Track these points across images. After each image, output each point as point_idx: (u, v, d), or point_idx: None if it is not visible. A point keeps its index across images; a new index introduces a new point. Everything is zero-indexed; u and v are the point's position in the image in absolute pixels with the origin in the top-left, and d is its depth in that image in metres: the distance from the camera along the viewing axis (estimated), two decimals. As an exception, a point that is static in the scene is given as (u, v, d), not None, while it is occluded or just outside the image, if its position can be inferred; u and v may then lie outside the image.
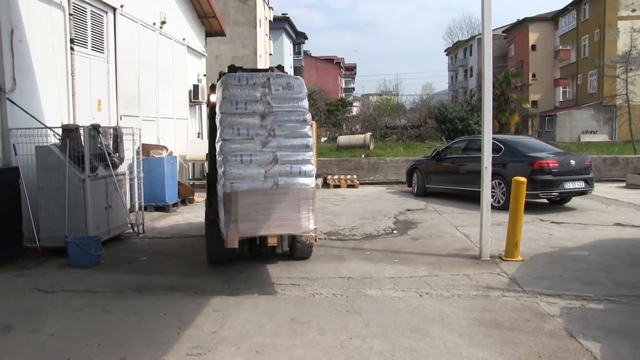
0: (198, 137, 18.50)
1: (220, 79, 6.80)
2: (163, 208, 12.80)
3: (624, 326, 5.15)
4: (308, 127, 6.58)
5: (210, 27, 19.50)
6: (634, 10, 43.81)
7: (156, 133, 14.80)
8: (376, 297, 6.13)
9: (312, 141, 6.60)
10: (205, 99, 16.17)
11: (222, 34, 20.65)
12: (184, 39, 17.05)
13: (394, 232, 10.22)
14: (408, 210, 12.94)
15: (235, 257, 7.47)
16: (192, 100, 17.58)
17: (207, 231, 7.54)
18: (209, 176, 7.73)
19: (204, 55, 19.60)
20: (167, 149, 13.51)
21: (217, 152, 6.60)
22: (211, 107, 7.69)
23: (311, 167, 6.50)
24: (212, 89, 7.72)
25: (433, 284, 6.57)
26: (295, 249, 7.68)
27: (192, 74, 18.19)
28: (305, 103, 6.67)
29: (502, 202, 12.16)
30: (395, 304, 5.90)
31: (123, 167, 9.87)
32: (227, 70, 6.90)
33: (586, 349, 4.61)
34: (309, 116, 6.65)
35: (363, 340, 4.85)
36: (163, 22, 15.05)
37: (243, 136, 6.31)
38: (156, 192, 12.52)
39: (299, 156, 6.45)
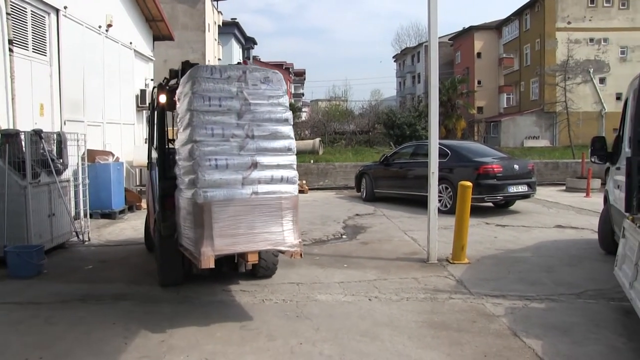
0: (145, 142, 18.16)
1: (184, 71, 5.89)
2: (109, 215, 12.51)
3: (563, 323, 5.38)
4: (290, 127, 5.82)
5: (159, 31, 19.23)
6: (569, 23, 45.59)
7: (102, 138, 14.49)
8: (326, 302, 6.17)
9: (294, 144, 5.84)
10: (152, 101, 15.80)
11: (170, 38, 20.39)
12: (131, 43, 16.76)
13: (343, 237, 10.30)
14: (357, 215, 13.06)
15: (193, 276, 6.87)
16: (140, 105, 17.28)
17: (160, 251, 6.71)
18: (162, 187, 6.62)
19: (152, 60, 19.30)
20: (113, 155, 13.24)
21: (181, 157, 5.75)
22: (161, 108, 6.88)
23: (294, 173, 5.78)
24: (161, 88, 6.92)
25: (382, 288, 6.65)
26: (259, 268, 6.88)
27: (140, 78, 17.89)
28: (285, 100, 5.87)
29: (449, 206, 12.41)
30: (345, 308, 5.95)
31: (67, 174, 9.60)
32: (181, 67, 6.21)
33: (529, 347, 4.78)
34: (290, 115, 5.87)
35: (313, 345, 4.87)
36: (109, 25, 14.75)
37: (218, 137, 5.40)
38: (102, 199, 12.23)
39: (280, 160, 5.68)
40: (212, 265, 5.28)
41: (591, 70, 33.18)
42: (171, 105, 6.58)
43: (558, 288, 6.59)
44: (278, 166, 5.64)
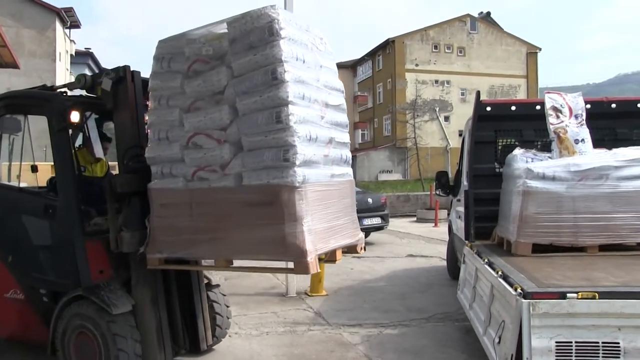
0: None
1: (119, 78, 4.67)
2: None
3: (414, 347, 5.73)
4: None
5: (1, 57, 17.88)
6: (417, 65, 49.16)
7: None
8: (185, 342, 6.00)
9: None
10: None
11: (14, 65, 19.00)
12: (-33, 71, 15.41)
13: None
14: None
15: None
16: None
17: None
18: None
19: (-8, 90, 17.83)
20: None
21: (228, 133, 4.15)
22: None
23: (350, 154, 4.95)
24: (76, 104, 5.06)
25: (242, 324, 6.60)
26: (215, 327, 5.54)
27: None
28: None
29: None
30: (205, 346, 5.83)
31: None
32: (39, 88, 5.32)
33: (383, 372, 5.01)
34: None
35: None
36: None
37: (306, 101, 4.13)
38: None
39: (345, 137, 4.82)
40: (318, 270, 4.11)
41: (437, 109, 36.08)
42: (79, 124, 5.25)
43: (410, 314, 6.98)
44: (344, 144, 4.80)
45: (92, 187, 5.20)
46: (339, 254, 4.50)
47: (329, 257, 4.44)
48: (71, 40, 42.46)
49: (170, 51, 4.36)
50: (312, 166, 4.09)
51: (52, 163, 5.02)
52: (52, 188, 5.21)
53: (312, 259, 3.90)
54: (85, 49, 46.93)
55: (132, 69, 4.76)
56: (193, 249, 4.36)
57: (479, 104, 6.52)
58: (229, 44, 4.08)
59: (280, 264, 5.20)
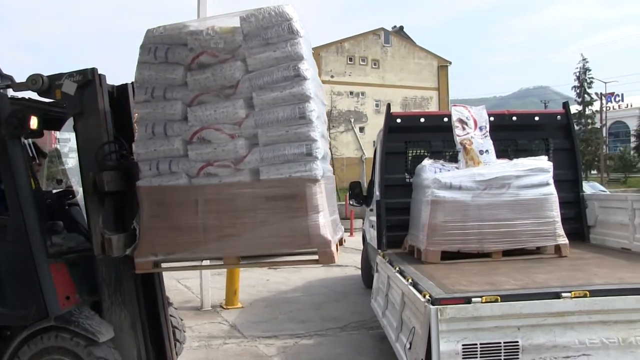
0: None
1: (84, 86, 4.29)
2: None
3: (330, 356, 5.81)
4: None
5: None
6: (332, 76, 49.93)
7: None
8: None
9: None
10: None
11: None
12: None
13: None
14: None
15: None
16: None
17: None
18: None
19: None
20: None
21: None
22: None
23: None
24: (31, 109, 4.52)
25: (155, 340, 6.42)
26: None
27: None
28: None
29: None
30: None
31: None
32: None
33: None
34: None
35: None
36: None
37: None
38: None
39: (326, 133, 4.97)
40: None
41: (352, 120, 36.74)
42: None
43: (325, 323, 7.03)
44: (327, 141, 4.97)
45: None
46: (338, 247, 4.53)
47: None
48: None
49: (166, 41, 4.10)
50: (323, 161, 4.20)
51: None
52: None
53: (334, 248, 4.05)
54: (-15, 54, 44.35)
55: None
56: (199, 248, 4.10)
57: (390, 116, 6.71)
58: (243, 38, 4.01)
59: (289, 258, 4.89)
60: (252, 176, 4.01)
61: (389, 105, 6.79)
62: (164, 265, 4.36)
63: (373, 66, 50.93)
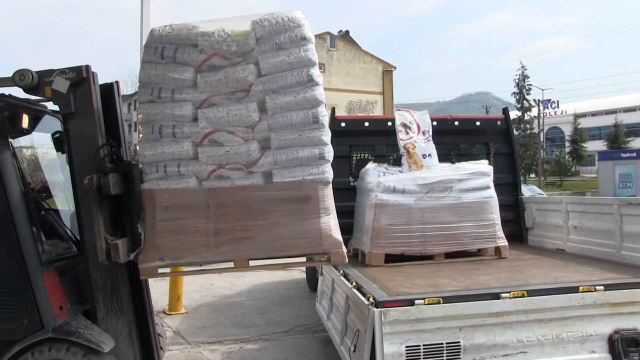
0: None
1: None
2: None
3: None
4: None
5: None
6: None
7: None
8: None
9: None
10: None
11: None
12: None
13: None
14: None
15: None
16: None
17: None
18: None
19: None
20: None
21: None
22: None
23: None
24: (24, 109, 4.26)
25: (94, 349, 6.23)
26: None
27: None
28: None
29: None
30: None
31: None
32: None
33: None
34: None
35: None
36: None
37: None
38: None
39: None
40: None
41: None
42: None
43: (270, 327, 6.99)
44: None
45: None
46: None
47: None
48: None
49: (174, 41, 3.97)
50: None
51: None
52: None
53: (345, 249, 4.13)
54: None
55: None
56: (209, 252, 4.00)
57: (334, 120, 6.75)
58: (255, 42, 3.96)
59: (300, 259, 4.81)
60: (265, 179, 4.02)
61: (333, 109, 6.84)
62: (167, 270, 4.32)
63: (319, 70, 51.24)
